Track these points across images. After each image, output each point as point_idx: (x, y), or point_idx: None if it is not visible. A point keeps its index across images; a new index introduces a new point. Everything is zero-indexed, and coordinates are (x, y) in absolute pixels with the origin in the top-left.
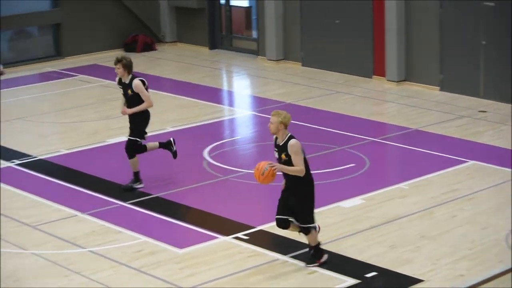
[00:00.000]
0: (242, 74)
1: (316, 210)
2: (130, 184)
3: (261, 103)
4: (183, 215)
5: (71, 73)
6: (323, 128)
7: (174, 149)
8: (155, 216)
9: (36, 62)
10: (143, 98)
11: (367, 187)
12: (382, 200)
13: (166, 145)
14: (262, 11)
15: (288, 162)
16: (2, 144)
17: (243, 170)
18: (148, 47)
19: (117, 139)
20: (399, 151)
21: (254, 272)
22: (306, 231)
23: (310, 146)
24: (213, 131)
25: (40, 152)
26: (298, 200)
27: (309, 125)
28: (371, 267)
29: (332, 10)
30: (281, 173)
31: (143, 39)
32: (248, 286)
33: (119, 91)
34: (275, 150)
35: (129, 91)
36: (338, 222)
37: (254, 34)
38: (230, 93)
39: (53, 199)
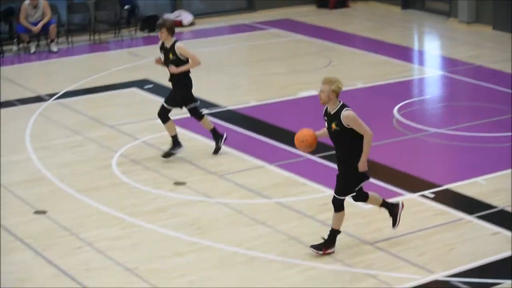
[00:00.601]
0: (433, 35)
1: (499, 173)
2: (169, 150)
3: (450, 64)
4: (370, 171)
5: (262, 26)
6: None
7: (220, 145)
8: None
9: (228, 15)
10: (189, 57)
11: None
12: None
13: (216, 136)
14: None
15: (339, 131)
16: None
17: (431, 129)
18: (341, 4)
19: (308, 93)
20: None
21: (438, 230)
22: (336, 203)
23: (497, 109)
24: (403, 90)
25: (230, 102)
26: (346, 169)
27: (497, 87)
28: None
29: None
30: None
31: None
32: (431, 244)
33: (308, 46)
34: (325, 119)
35: (171, 55)
36: None
37: None
38: (421, 53)
39: (240, 149)
